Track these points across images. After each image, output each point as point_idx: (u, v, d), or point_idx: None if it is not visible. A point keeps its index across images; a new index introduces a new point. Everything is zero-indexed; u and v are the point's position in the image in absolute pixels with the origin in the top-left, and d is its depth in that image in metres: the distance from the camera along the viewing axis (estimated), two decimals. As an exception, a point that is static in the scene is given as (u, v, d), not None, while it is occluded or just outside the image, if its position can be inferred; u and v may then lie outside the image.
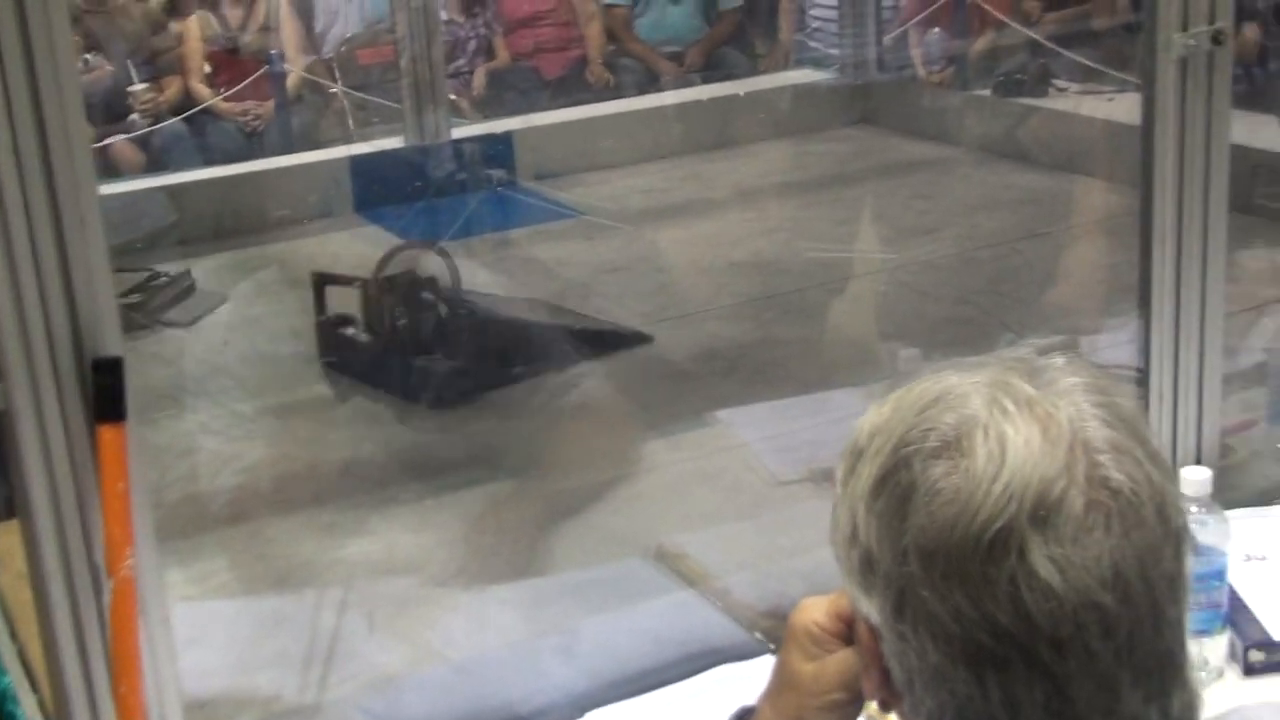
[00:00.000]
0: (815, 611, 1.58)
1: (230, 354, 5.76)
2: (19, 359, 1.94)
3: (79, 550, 2.01)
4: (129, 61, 8.25)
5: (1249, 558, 2.73)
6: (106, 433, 1.96)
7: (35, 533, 2.00)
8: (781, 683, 1.60)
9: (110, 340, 1.96)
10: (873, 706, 1.48)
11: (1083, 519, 1.22)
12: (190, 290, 6.38)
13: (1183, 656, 1.30)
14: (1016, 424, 1.25)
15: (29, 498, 1.98)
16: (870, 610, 1.33)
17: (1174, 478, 1.30)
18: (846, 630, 1.54)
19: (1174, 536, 1.28)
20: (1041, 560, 1.21)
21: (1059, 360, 1.33)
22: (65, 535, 2.00)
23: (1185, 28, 2.75)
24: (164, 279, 6.33)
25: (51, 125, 1.89)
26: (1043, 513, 1.22)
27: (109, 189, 7.35)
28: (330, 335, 5.53)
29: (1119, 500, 1.24)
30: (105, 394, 1.96)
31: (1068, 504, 1.22)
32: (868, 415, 1.36)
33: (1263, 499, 3.05)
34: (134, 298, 5.99)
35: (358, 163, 7.73)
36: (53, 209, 1.91)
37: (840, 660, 1.54)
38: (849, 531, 1.33)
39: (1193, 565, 2.30)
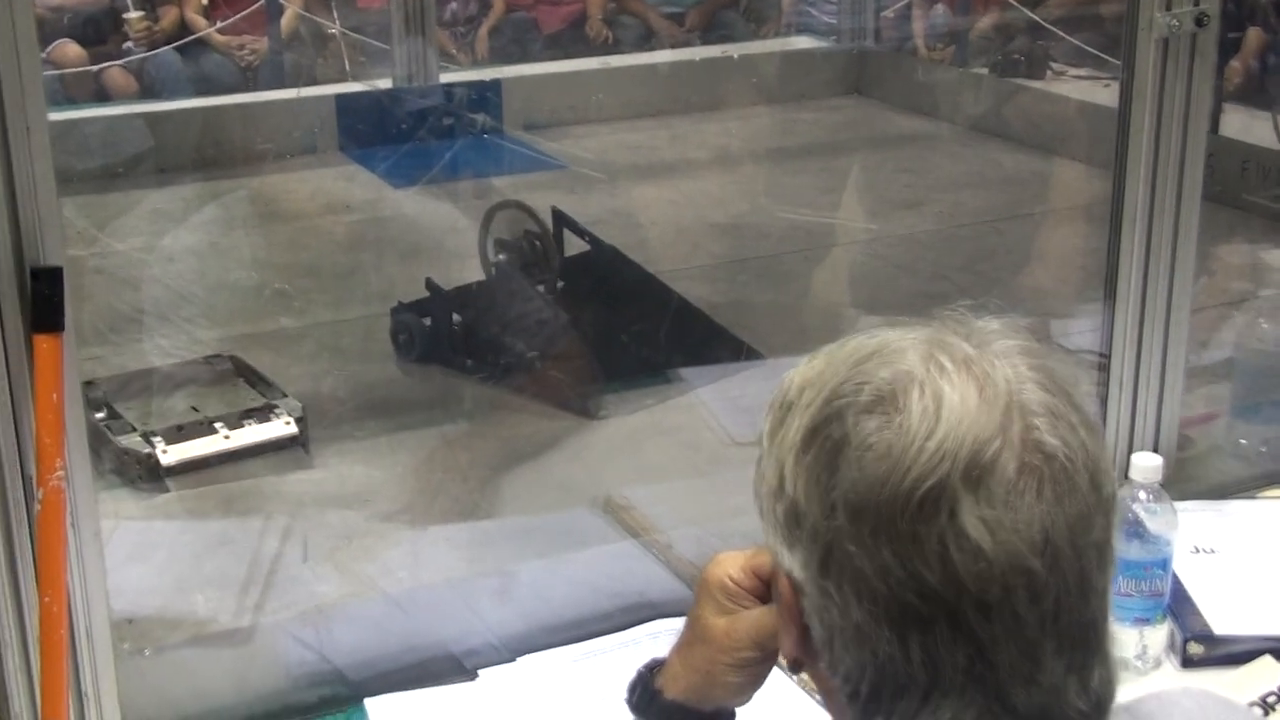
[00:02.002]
0: (730, 566, 1.57)
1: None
2: (-44, 264, 1.91)
3: (12, 459, 1.98)
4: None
5: (1198, 550, 2.72)
6: (43, 343, 1.94)
7: (-34, 441, 1.98)
8: (693, 636, 1.59)
9: (51, 250, 1.94)
10: (781, 664, 1.46)
11: (1015, 482, 1.21)
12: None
13: (1105, 629, 1.29)
14: (953, 382, 1.24)
15: (-38, 404, 1.96)
16: (793, 565, 1.31)
17: (1106, 447, 1.29)
18: (761, 587, 1.53)
19: (1105, 505, 1.27)
20: (972, 521, 1.20)
21: (994, 322, 1.31)
22: (-3, 443, 1.98)
23: (1169, 7, 2.70)
24: None
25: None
26: (975, 473, 1.20)
27: (96, 113, 7.35)
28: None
29: (1052, 465, 1.23)
30: (44, 303, 1.93)
31: (1001, 466, 1.21)
32: (797, 369, 1.35)
33: (1217, 493, 3.03)
34: None
35: (343, 101, 7.70)
36: (-2, 117, 1.88)
37: (754, 617, 1.53)
38: (775, 484, 1.31)
39: (1137, 552, 2.32)
